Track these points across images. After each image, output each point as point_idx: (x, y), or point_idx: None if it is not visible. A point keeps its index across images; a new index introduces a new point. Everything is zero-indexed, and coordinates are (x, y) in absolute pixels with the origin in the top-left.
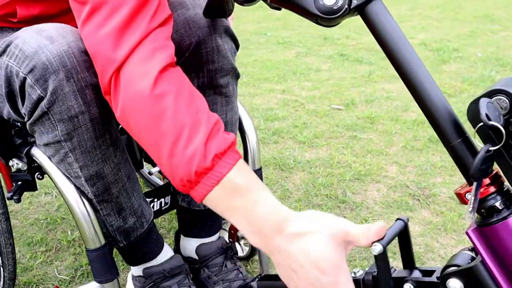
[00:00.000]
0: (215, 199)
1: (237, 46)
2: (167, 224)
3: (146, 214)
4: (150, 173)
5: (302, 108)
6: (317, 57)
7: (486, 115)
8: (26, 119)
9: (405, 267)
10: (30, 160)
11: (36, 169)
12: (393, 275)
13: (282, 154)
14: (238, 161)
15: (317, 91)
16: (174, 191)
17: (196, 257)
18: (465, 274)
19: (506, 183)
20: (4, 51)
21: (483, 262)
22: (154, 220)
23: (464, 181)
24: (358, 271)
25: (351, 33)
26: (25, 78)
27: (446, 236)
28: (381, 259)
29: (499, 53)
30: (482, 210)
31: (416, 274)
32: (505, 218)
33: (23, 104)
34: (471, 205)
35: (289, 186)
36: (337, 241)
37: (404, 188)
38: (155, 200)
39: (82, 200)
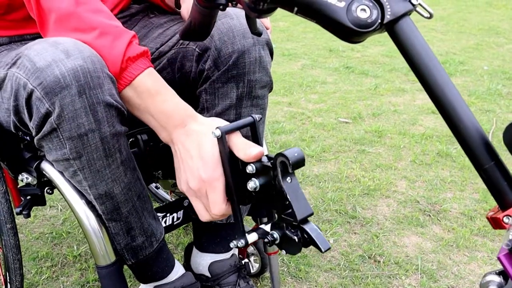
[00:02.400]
0: (128, 98)
1: (271, 57)
2: (174, 239)
3: (156, 233)
4: (157, 187)
5: (309, 121)
6: (323, 70)
7: None
8: (34, 133)
9: None
10: (40, 174)
11: (46, 183)
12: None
13: None
14: (149, 68)
15: (323, 104)
16: (188, 206)
17: (209, 275)
18: None
19: None
20: (14, 63)
21: None
22: None
23: (493, 203)
24: None
25: (356, 45)
26: (32, 91)
27: (458, 253)
28: (220, 142)
29: (505, 66)
30: None
31: (263, 158)
32: None
33: (30, 118)
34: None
35: None
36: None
37: (414, 203)
38: (168, 215)
39: (93, 216)
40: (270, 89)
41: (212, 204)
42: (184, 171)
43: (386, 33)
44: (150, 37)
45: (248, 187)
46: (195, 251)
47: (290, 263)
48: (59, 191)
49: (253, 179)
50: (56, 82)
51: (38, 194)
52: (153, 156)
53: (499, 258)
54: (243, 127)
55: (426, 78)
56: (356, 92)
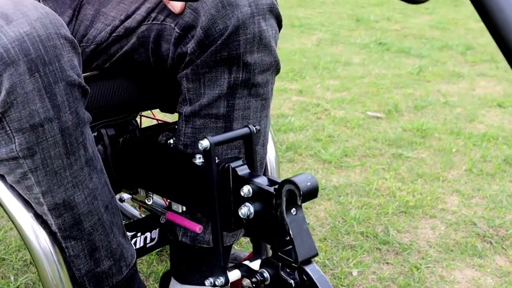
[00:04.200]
0: None
1: (279, 28)
2: (145, 267)
3: (127, 255)
4: (121, 200)
5: (327, 115)
6: (347, 46)
7: None
8: None
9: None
10: None
11: None
12: (240, 174)
13: None
14: None
15: (346, 92)
16: (165, 223)
17: None
18: None
19: None
20: None
21: None
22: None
23: None
24: (199, 158)
25: (394, 13)
26: None
27: None
28: (208, 155)
29: None
30: None
31: (261, 180)
32: None
33: None
34: None
35: (311, 220)
36: None
37: (469, 226)
38: (139, 235)
39: (44, 233)
40: (277, 72)
41: None
42: None
43: None
44: (113, 1)
45: (239, 213)
46: (173, 282)
47: None
48: None
49: (247, 204)
50: None
51: None
52: (122, 157)
53: None
54: (236, 139)
55: None
56: (392, 76)
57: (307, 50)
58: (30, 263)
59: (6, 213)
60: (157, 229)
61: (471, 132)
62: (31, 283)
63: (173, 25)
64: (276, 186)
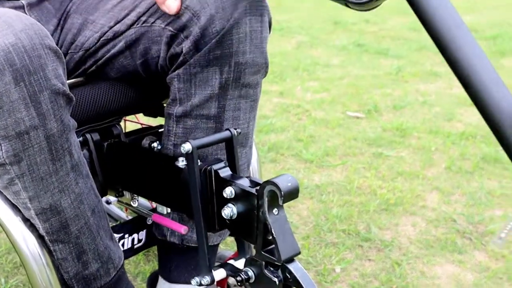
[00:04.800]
0: None
1: (269, 31)
2: (133, 268)
3: (114, 258)
4: (108, 202)
5: (307, 116)
6: (326, 48)
7: None
8: None
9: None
10: None
11: None
12: (222, 176)
13: None
14: None
15: (326, 93)
16: (153, 224)
17: None
18: None
19: None
20: None
21: None
22: None
23: None
24: (182, 161)
25: (372, 16)
26: None
27: None
28: (190, 158)
29: None
30: None
31: (243, 182)
32: None
33: None
34: None
35: (294, 219)
36: None
37: (449, 222)
38: (126, 236)
39: (32, 237)
40: (265, 74)
41: None
42: None
43: None
44: (101, 9)
45: (222, 214)
46: (161, 281)
47: None
48: None
49: (230, 205)
50: None
51: None
52: (108, 161)
53: None
54: (218, 142)
55: (450, 51)
56: (370, 77)
57: (287, 53)
58: (20, 265)
59: None
60: (144, 230)
61: (449, 131)
62: (21, 285)
63: (163, 26)
64: (258, 187)
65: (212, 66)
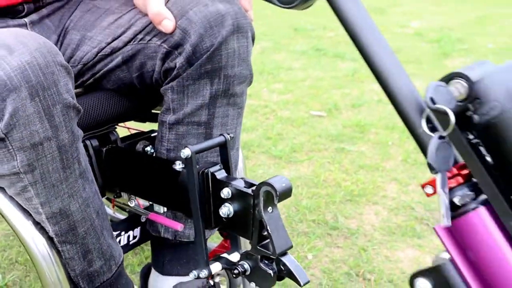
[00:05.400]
0: None
1: (252, 44)
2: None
3: (115, 255)
4: None
5: (274, 115)
6: (288, 53)
7: (431, 98)
8: None
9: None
10: None
11: None
12: (218, 178)
13: (254, 172)
14: None
15: (290, 94)
16: (146, 222)
17: None
18: (433, 274)
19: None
20: None
21: (451, 260)
22: None
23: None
24: (179, 164)
25: (329, 22)
26: None
27: None
28: (189, 162)
29: None
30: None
31: (239, 182)
32: (472, 210)
33: None
34: (442, 201)
35: None
36: None
37: (408, 210)
38: (122, 233)
39: (42, 239)
40: (249, 83)
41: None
42: None
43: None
44: (98, 26)
45: (220, 213)
46: (154, 274)
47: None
48: None
49: (227, 204)
50: (1, 85)
51: None
52: (106, 165)
53: (434, 229)
54: (213, 147)
55: (360, 42)
56: (330, 79)
57: (253, 58)
58: (16, 261)
59: (7, 221)
60: (139, 228)
61: (404, 127)
62: (18, 280)
63: (159, 43)
64: (254, 188)
65: (203, 79)
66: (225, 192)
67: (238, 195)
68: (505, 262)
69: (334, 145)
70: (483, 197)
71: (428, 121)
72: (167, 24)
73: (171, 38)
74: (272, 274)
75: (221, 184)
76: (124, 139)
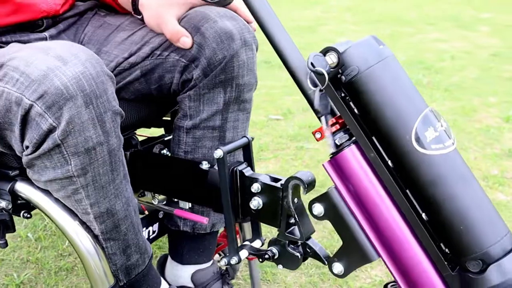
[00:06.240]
0: None
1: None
2: None
3: (148, 248)
4: None
5: None
6: None
7: (311, 63)
8: (27, 152)
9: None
10: (15, 197)
11: (21, 206)
12: (247, 175)
13: None
14: None
15: None
16: (164, 217)
17: (192, 285)
18: (324, 200)
19: None
20: None
21: (336, 188)
22: None
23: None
24: (205, 164)
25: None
26: (31, 106)
27: None
28: (221, 162)
29: (419, 56)
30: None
31: (265, 178)
32: (346, 147)
33: (22, 136)
34: (328, 136)
35: None
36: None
37: None
38: (143, 229)
39: (89, 237)
40: (254, 90)
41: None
42: (150, 17)
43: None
44: (112, 41)
45: (250, 205)
46: (173, 263)
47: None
48: (44, 213)
49: (256, 198)
50: (58, 94)
51: (5, 220)
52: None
53: (323, 165)
54: (240, 147)
55: (263, 25)
56: (281, 87)
57: None
58: (27, 260)
59: (54, 222)
60: (157, 223)
61: None
62: (33, 277)
63: (177, 58)
64: (282, 182)
65: (218, 88)
66: (255, 187)
67: (267, 189)
68: (372, 186)
69: (294, 144)
70: (354, 138)
71: (312, 81)
72: (186, 41)
73: (188, 53)
74: (299, 256)
75: (250, 180)
76: (143, 143)
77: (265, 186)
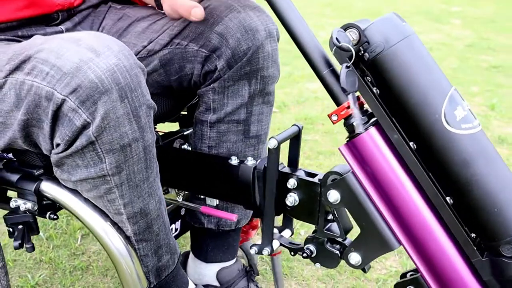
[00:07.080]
0: None
1: None
2: None
3: (177, 248)
4: None
5: None
6: None
7: (336, 38)
8: (58, 150)
9: (289, 166)
10: (40, 197)
11: (47, 207)
12: (281, 170)
13: None
14: None
15: None
16: (185, 215)
17: (217, 284)
18: (341, 185)
19: (366, 105)
20: (18, 67)
21: (353, 173)
22: None
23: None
24: (235, 160)
25: None
26: (64, 101)
27: None
28: (274, 152)
29: None
30: (348, 128)
31: (301, 173)
32: (365, 130)
33: (52, 133)
34: (355, 116)
35: None
36: None
37: None
38: None
39: (122, 239)
40: (277, 82)
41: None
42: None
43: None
44: (132, 32)
45: (287, 202)
46: (196, 262)
47: (271, 261)
48: (74, 214)
49: (292, 194)
50: (93, 87)
51: (29, 221)
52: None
53: (339, 149)
54: (291, 137)
55: (279, 10)
56: None
57: None
58: (41, 261)
59: (84, 224)
60: (179, 221)
61: None
62: (48, 278)
63: (197, 48)
64: (320, 176)
65: (243, 80)
66: (291, 183)
67: (303, 185)
68: (393, 169)
69: None
70: (373, 120)
71: (329, 65)
72: (197, 11)
73: (208, 43)
74: (339, 254)
75: (286, 175)
76: (163, 138)
77: (301, 182)
